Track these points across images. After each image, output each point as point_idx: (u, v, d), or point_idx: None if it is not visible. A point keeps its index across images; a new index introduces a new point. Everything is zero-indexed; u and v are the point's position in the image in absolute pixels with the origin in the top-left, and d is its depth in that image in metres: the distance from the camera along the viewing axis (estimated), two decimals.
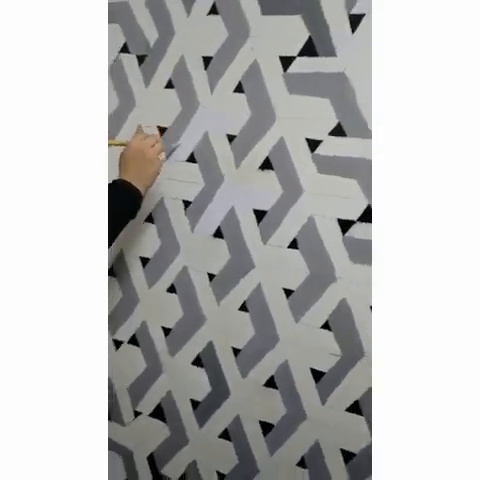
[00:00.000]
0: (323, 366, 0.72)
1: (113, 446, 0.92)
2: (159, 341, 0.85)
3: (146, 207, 0.84)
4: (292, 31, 0.69)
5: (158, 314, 0.86)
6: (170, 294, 0.84)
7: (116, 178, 0.76)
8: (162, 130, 0.82)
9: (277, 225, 0.73)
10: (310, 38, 0.69)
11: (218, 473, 0.83)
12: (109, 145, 0.81)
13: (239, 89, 0.75)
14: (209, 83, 0.77)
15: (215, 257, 0.79)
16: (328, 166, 0.69)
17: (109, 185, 0.74)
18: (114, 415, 0.92)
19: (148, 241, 0.85)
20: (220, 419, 0.81)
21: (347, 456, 0.72)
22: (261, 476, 0.79)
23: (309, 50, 0.69)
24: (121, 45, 0.85)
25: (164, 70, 0.81)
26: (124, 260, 0.88)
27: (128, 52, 0.84)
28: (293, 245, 0.72)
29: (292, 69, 0.70)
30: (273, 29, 0.71)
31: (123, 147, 0.78)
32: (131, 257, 0.87)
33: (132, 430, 0.91)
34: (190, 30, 0.78)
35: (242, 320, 0.78)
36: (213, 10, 0.76)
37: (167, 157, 0.80)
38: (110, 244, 0.72)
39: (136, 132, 0.80)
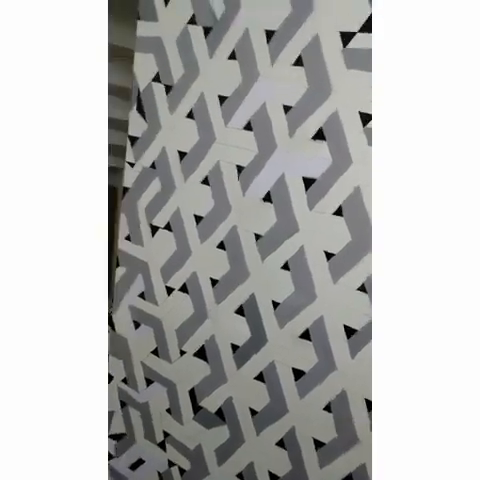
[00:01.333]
0: (355, 324, 0.79)
1: (159, 379, 1.06)
2: (207, 290, 0.95)
3: (203, 169, 0.92)
4: None
5: (207, 267, 0.95)
6: (219, 250, 0.93)
7: None
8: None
9: (324, 193, 0.79)
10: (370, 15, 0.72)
11: (251, 410, 0.94)
12: None
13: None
14: (270, 56, 0.82)
15: (263, 219, 0.87)
16: None
17: None
18: (162, 353, 1.05)
19: (203, 201, 0.94)
20: (257, 363, 0.91)
21: (370, 405, 0.80)
22: (289, 416, 0.89)
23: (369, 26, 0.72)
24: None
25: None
26: (180, 217, 0.97)
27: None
28: (338, 212, 0.78)
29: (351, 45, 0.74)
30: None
31: None
32: (186, 215, 0.97)
33: (177, 367, 1.03)
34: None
35: (283, 277, 0.86)
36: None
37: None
38: None
39: None
